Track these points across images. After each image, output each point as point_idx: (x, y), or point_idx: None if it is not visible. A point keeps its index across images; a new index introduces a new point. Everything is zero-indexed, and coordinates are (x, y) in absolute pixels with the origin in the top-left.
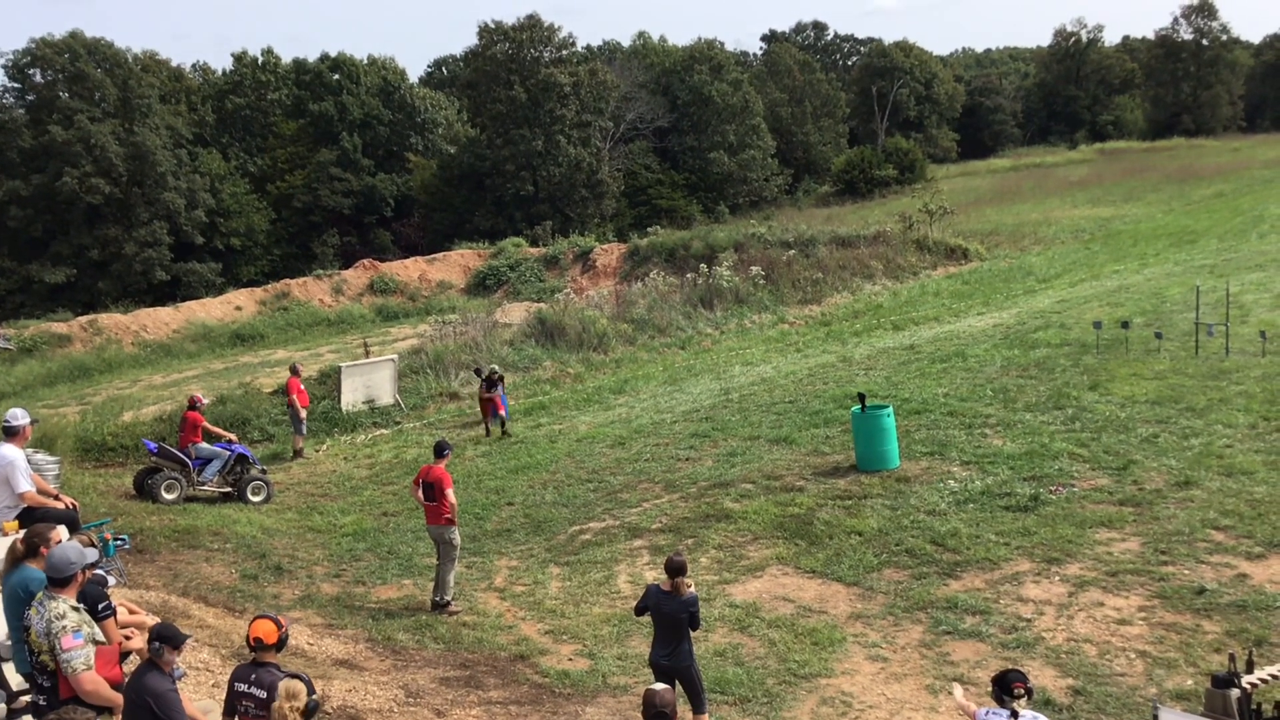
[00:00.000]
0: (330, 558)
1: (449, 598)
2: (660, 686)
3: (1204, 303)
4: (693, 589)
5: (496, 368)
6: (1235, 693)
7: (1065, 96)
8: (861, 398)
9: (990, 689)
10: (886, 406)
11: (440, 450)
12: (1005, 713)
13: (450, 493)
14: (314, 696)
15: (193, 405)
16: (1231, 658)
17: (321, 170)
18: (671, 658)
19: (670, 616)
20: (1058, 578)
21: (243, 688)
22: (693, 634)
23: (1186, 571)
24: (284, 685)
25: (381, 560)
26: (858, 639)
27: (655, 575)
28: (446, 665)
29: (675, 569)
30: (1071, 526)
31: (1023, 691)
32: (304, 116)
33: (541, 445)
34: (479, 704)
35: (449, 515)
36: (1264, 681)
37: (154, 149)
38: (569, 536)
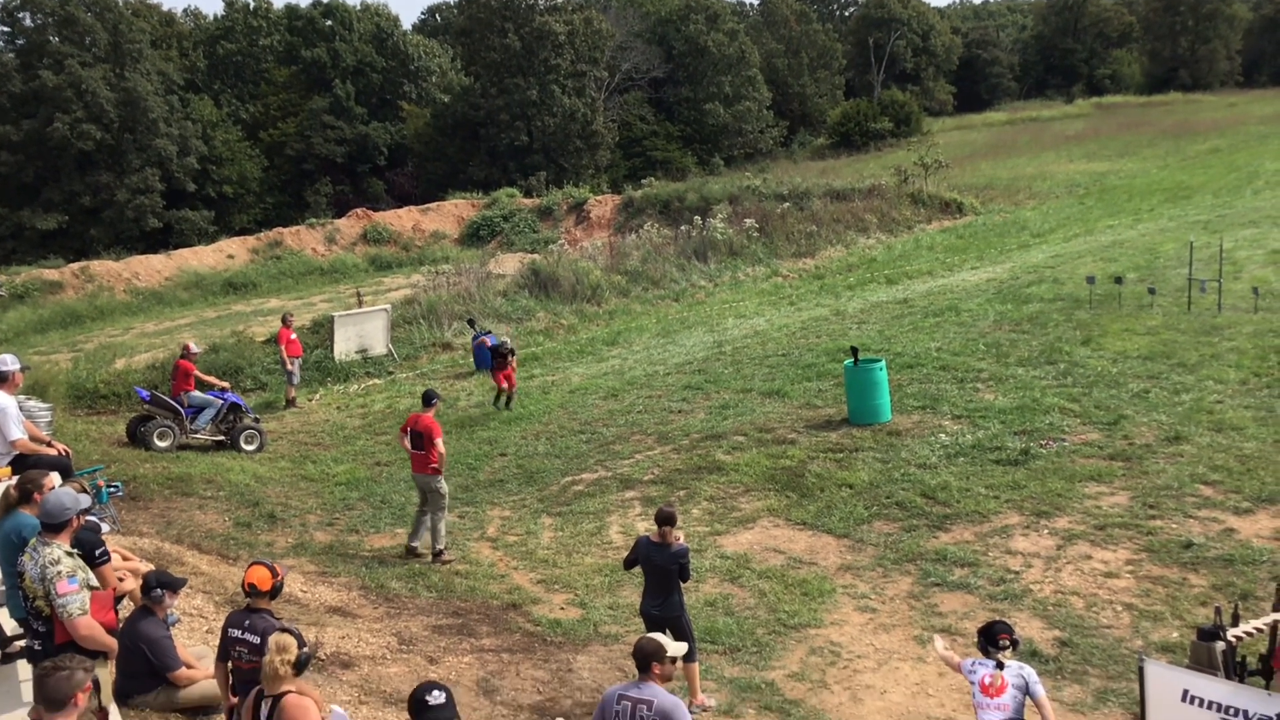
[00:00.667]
0: (323, 506)
1: (441, 546)
2: (652, 635)
3: (1197, 259)
4: (682, 540)
5: (508, 340)
6: (1220, 646)
7: (1062, 49)
8: (854, 351)
9: (976, 640)
10: (879, 360)
11: (428, 399)
12: (991, 663)
13: (439, 442)
14: (304, 649)
15: (185, 353)
16: (1217, 611)
17: (314, 118)
18: (662, 608)
19: (660, 568)
20: (1046, 531)
21: (236, 633)
22: (683, 585)
23: (1174, 526)
24: (274, 639)
25: (375, 509)
26: (847, 590)
27: (647, 526)
28: (439, 613)
29: (665, 519)
30: (1061, 480)
31: (1008, 643)
32: (296, 63)
33: (534, 396)
34: (471, 651)
35: (435, 465)
36: (1249, 635)
37: (145, 95)
38: (561, 487)
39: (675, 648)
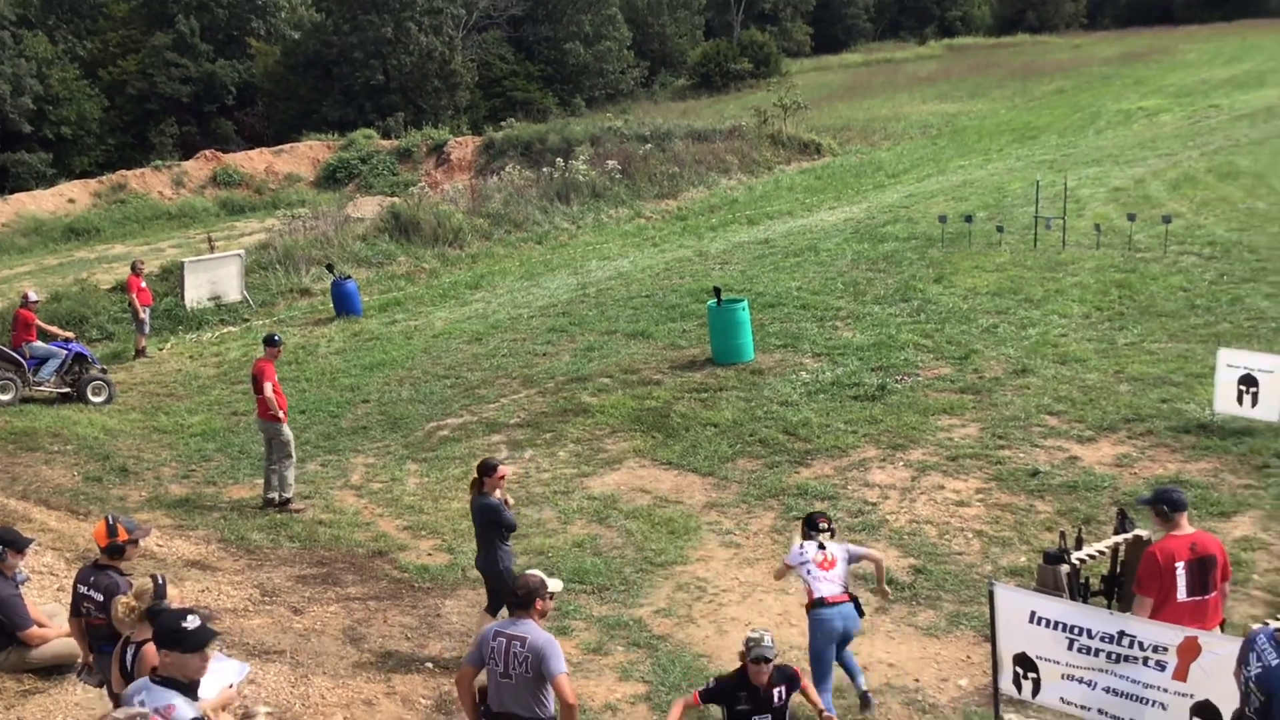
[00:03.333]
0: (178, 458)
1: (288, 495)
2: (534, 572)
3: (1043, 197)
4: (499, 494)
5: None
6: (1065, 568)
7: None
8: (717, 291)
9: (801, 530)
10: (741, 300)
11: (267, 342)
12: (813, 544)
13: (268, 387)
14: (160, 599)
15: (25, 302)
16: (1062, 535)
17: (157, 55)
18: (483, 561)
19: (476, 518)
20: (902, 463)
21: (83, 589)
22: (509, 537)
23: (1021, 455)
24: (138, 584)
25: (233, 460)
26: (712, 527)
27: (513, 470)
28: (303, 563)
29: (480, 469)
30: (916, 414)
31: (827, 526)
32: None
33: (397, 342)
34: (337, 600)
35: (273, 410)
36: (1091, 557)
37: None
38: (426, 433)
39: (554, 584)
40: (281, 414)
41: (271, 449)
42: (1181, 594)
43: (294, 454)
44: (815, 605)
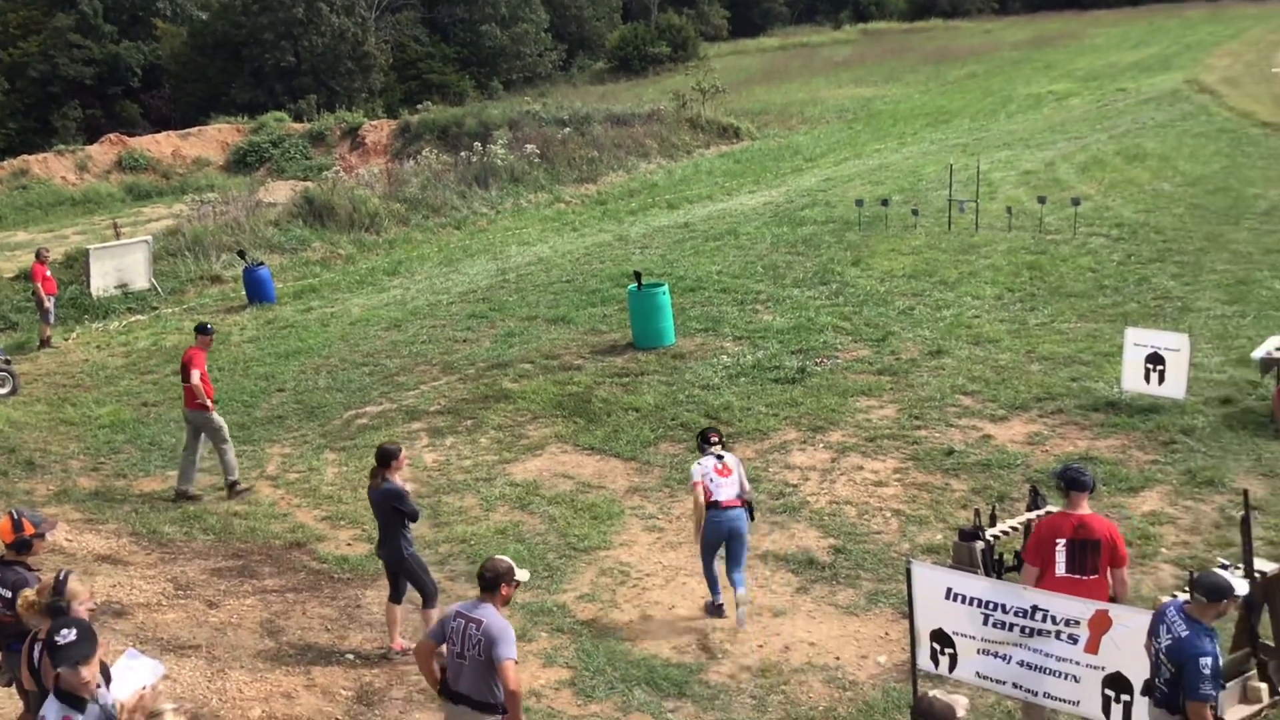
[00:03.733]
0: (87, 451)
1: (234, 478)
2: (503, 557)
3: (956, 180)
4: (397, 480)
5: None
6: (980, 545)
7: None
8: (638, 276)
9: (696, 445)
10: (662, 284)
11: (198, 330)
12: (710, 458)
13: (195, 375)
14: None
15: None
16: (976, 513)
17: (59, 36)
18: (385, 550)
19: (376, 505)
20: (822, 445)
21: None
22: (411, 525)
23: (937, 435)
24: (45, 580)
25: (143, 452)
26: (635, 511)
27: (435, 458)
28: (218, 556)
29: (381, 455)
30: (835, 396)
31: (718, 440)
32: None
33: (313, 329)
34: (254, 593)
35: (200, 400)
36: (1005, 534)
37: None
38: (344, 421)
39: (522, 574)
40: (209, 402)
41: (201, 438)
42: (1060, 569)
43: (228, 437)
44: (711, 507)
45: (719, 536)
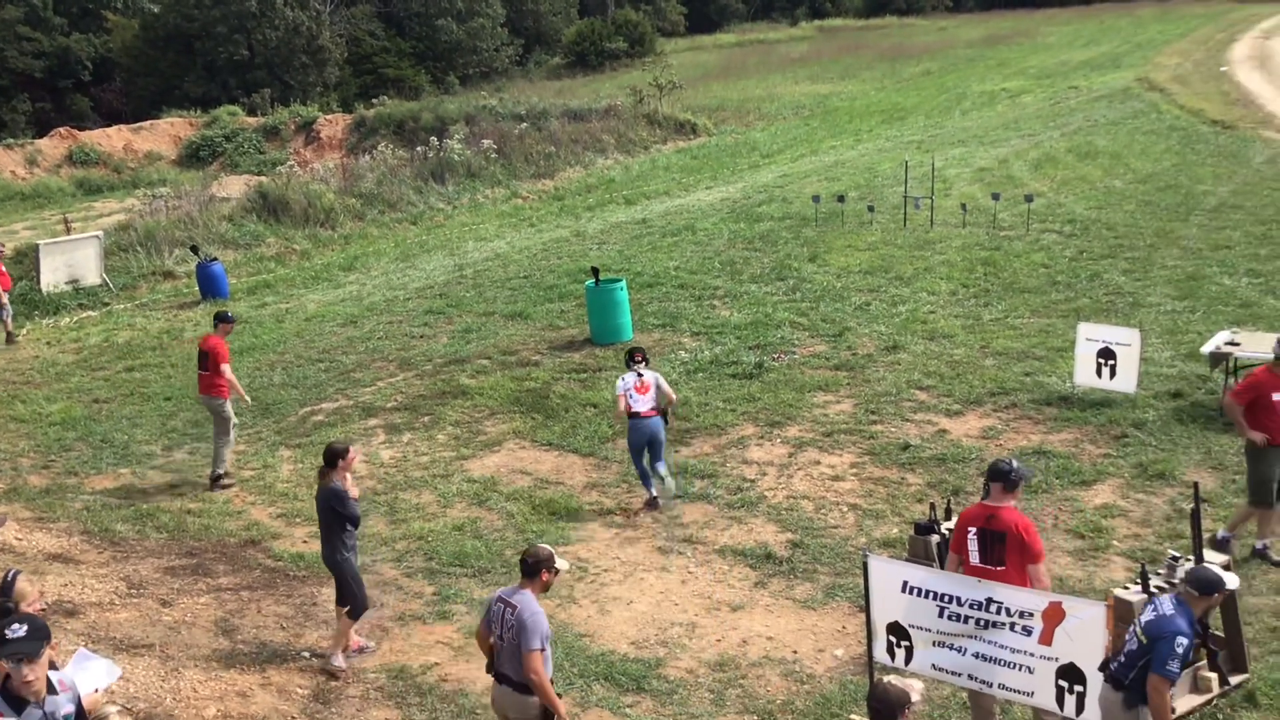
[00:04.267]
0: (37, 449)
1: (220, 471)
2: (545, 545)
3: (912, 177)
4: (340, 482)
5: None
6: (935, 538)
7: None
8: (595, 271)
9: (625, 361)
10: (619, 280)
11: (218, 319)
12: (632, 374)
13: (227, 369)
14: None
15: None
16: (932, 506)
17: (7, 29)
18: (325, 553)
19: (319, 506)
20: (779, 440)
21: None
22: (354, 531)
23: (893, 429)
24: None
25: (95, 449)
26: (593, 507)
27: (391, 455)
28: (171, 554)
29: (328, 455)
30: (792, 391)
31: (642, 359)
32: None
33: (268, 325)
34: (208, 591)
35: (220, 386)
36: None
37: None
38: (300, 418)
39: (562, 563)
40: (243, 395)
41: (214, 424)
42: (974, 558)
43: (232, 430)
44: (632, 417)
45: (641, 441)
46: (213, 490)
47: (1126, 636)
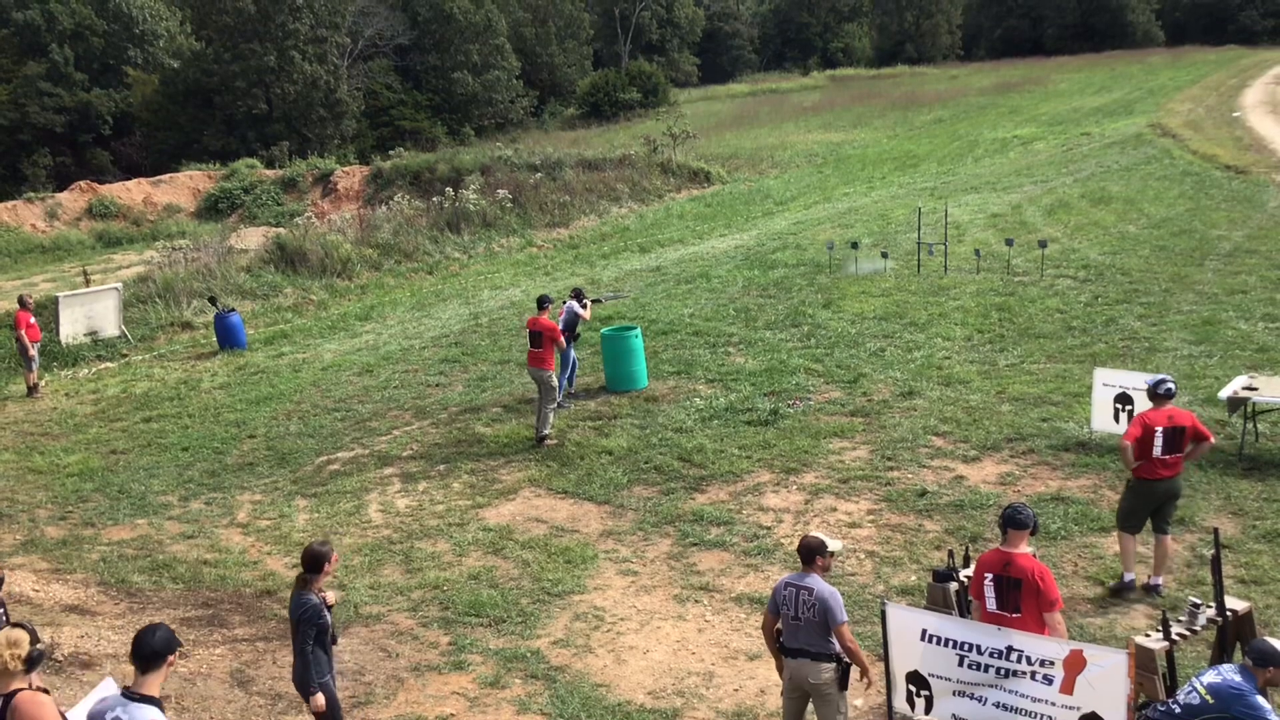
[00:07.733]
0: (54, 500)
1: (546, 432)
2: (815, 534)
3: (925, 223)
4: (322, 594)
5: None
6: (954, 586)
7: (798, 23)
8: (594, 301)
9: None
10: (634, 327)
11: (541, 303)
12: (573, 302)
13: (555, 345)
14: (38, 645)
15: None
16: (950, 554)
17: (29, 85)
18: (295, 672)
19: (291, 617)
20: (795, 486)
21: None
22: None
23: (910, 475)
24: (4, 634)
25: (112, 500)
26: (609, 555)
27: (407, 503)
28: (187, 605)
29: (308, 561)
30: (807, 438)
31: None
32: (7, 26)
33: (285, 375)
34: (224, 642)
35: (549, 361)
36: None
37: None
38: (316, 467)
39: (834, 544)
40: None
41: (540, 391)
42: (990, 605)
43: (558, 399)
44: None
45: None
46: (539, 447)
47: (1186, 689)
